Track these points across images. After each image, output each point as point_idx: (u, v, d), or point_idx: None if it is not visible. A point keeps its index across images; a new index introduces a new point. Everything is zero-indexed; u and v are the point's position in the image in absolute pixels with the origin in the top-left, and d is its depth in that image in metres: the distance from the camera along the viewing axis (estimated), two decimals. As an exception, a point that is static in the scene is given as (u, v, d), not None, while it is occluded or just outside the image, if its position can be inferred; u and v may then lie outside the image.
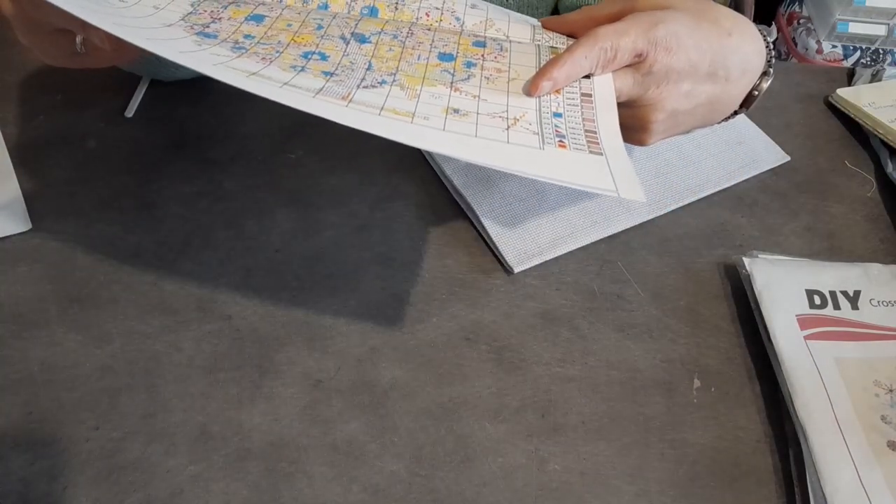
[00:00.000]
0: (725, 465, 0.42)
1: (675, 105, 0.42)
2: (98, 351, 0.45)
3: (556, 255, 0.51)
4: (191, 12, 0.39)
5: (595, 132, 0.37)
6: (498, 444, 0.42)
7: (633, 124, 0.43)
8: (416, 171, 0.56)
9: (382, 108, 0.34)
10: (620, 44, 0.39)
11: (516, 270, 0.50)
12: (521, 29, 0.46)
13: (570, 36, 0.46)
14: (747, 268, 0.49)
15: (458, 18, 0.45)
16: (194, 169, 0.55)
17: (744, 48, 0.43)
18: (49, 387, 0.43)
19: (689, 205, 0.55)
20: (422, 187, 0.55)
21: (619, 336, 0.47)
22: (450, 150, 0.33)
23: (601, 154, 0.36)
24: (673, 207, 0.55)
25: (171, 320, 0.46)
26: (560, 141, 0.36)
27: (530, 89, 0.39)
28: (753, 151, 0.59)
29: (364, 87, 0.36)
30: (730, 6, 1.36)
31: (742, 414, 0.44)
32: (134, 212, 0.52)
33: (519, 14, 0.48)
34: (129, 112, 0.59)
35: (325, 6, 0.44)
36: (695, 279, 0.51)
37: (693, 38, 0.40)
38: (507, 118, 0.37)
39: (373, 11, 0.44)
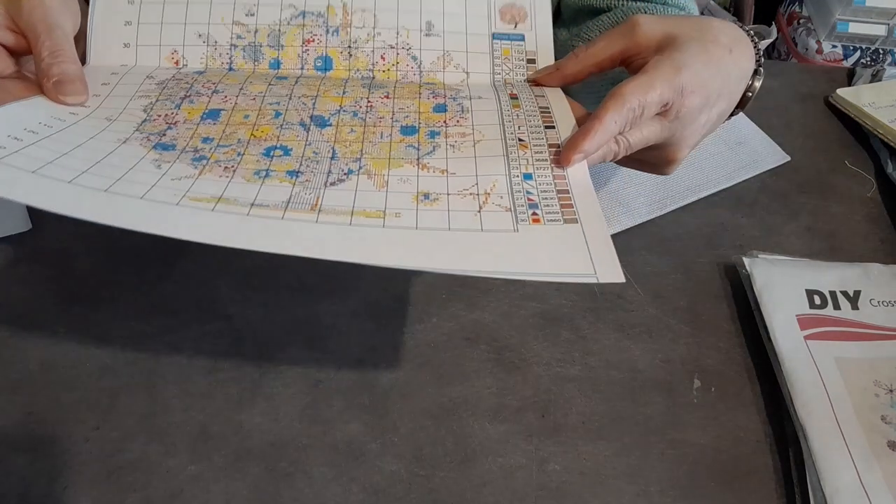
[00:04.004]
0: (725, 465, 0.42)
1: (697, 138, 0.42)
2: (98, 351, 0.45)
3: (556, 255, 0.51)
4: (145, 119, 0.38)
5: (567, 191, 0.36)
6: (498, 444, 0.42)
7: (658, 162, 0.43)
8: (416, 171, 0.56)
9: (353, 213, 0.33)
10: (647, 99, 0.38)
11: (516, 270, 0.50)
12: (480, 61, 0.45)
13: (573, 84, 0.44)
14: (747, 268, 0.49)
15: (414, 57, 0.44)
16: (194, 169, 0.55)
17: (741, 60, 0.43)
18: (49, 387, 0.43)
19: (689, 205, 0.55)
20: (422, 187, 0.55)
21: (619, 336, 0.47)
22: (425, 263, 0.32)
23: (576, 221, 0.35)
24: (673, 207, 0.55)
25: (171, 320, 0.46)
26: (534, 213, 0.35)
27: (562, 163, 0.37)
28: (753, 151, 0.59)
29: (331, 184, 0.35)
30: (729, 7, 1.36)
31: (742, 414, 0.44)
32: (134, 212, 0.52)
33: (474, 28, 0.46)
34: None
35: (277, 63, 0.43)
36: (695, 279, 0.51)
37: (708, 69, 0.40)
38: (478, 195, 0.36)
39: (326, 62, 0.44)
